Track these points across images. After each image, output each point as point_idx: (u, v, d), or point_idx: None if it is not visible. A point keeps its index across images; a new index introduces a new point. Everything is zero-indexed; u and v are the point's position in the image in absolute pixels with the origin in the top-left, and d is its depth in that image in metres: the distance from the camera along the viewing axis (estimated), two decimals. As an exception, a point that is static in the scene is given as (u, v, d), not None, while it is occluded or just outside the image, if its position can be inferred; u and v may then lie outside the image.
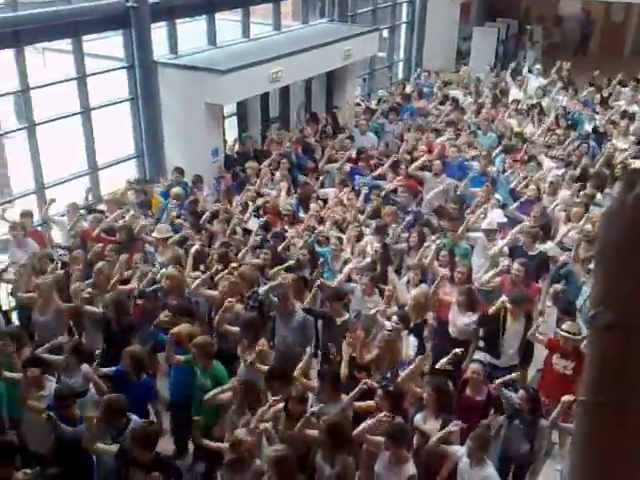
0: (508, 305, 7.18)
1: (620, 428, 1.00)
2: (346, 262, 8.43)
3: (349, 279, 8.16)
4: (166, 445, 6.57)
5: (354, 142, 12.70)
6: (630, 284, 1.00)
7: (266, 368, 6.31)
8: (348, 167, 11.46)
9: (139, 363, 6.26)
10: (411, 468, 5.34)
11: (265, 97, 13.79)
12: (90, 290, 7.50)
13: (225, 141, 12.76)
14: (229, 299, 7.01)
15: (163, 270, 7.90)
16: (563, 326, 6.90)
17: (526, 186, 10.28)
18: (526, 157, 11.70)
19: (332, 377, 6.14)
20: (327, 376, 6.13)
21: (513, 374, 6.50)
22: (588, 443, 1.04)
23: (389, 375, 6.34)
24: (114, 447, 5.38)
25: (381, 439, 5.46)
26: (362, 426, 5.54)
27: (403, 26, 19.32)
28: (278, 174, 11.01)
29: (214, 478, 6.33)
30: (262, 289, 7.45)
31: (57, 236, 9.57)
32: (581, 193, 10.17)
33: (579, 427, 1.07)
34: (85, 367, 6.40)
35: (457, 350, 6.51)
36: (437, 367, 6.54)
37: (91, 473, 5.73)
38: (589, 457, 1.04)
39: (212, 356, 6.42)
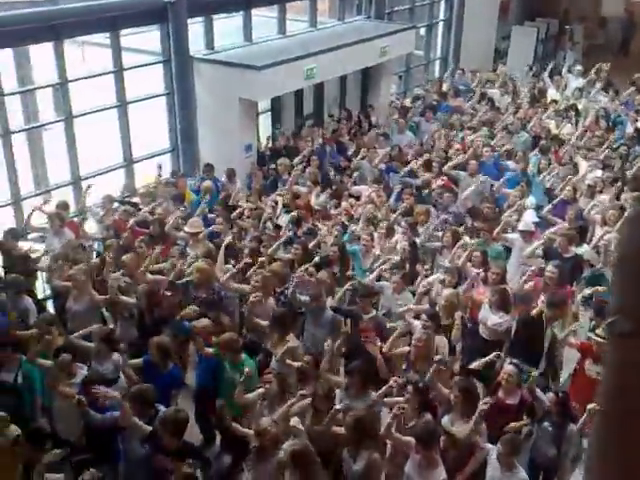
0: (545, 309, 7.05)
1: None
2: (376, 260, 8.38)
3: (379, 277, 8.10)
4: (193, 435, 6.58)
5: (389, 140, 12.61)
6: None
7: (297, 364, 6.30)
8: (383, 165, 11.39)
9: (165, 353, 6.30)
10: (442, 472, 5.27)
11: (299, 94, 13.79)
12: (126, 280, 7.58)
13: (259, 138, 12.78)
14: (256, 294, 7.01)
15: (194, 263, 7.95)
16: (597, 331, 6.75)
17: (562, 188, 10.11)
18: (563, 159, 11.50)
19: (360, 373, 6.09)
20: (355, 372, 6.08)
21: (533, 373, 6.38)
22: (608, 450, 1.01)
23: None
24: (148, 427, 5.42)
25: (410, 439, 5.41)
26: (388, 423, 5.49)
27: (441, 24, 19.15)
28: (308, 170, 11.00)
29: (240, 469, 6.33)
30: (289, 291, 7.43)
31: (92, 228, 9.69)
32: (621, 197, 9.97)
33: (598, 434, 1.05)
34: (116, 356, 6.47)
35: (496, 353, 6.42)
36: (471, 368, 6.45)
37: (118, 460, 5.77)
38: (609, 463, 1.01)
39: (238, 350, 6.42)
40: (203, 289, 7.62)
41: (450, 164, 11.02)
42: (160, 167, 10.66)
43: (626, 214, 8.47)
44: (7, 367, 6.13)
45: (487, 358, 6.43)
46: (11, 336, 6.41)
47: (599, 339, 6.56)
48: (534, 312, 7.17)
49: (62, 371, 6.12)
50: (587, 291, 7.77)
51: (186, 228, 8.90)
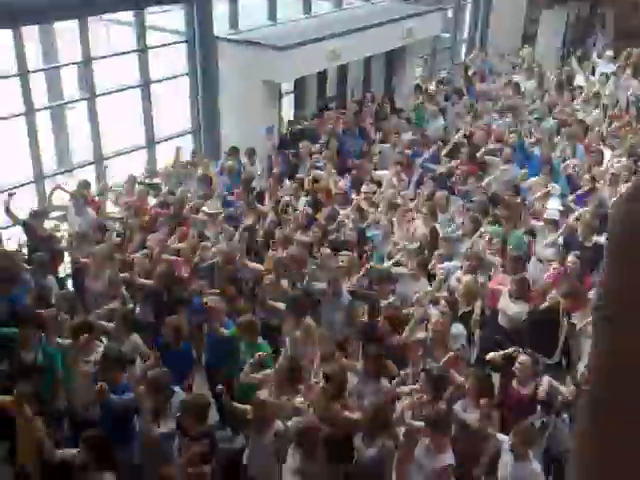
0: (561, 299, 6.97)
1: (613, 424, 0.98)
2: (395, 246, 8.34)
3: (397, 263, 8.06)
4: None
5: (411, 125, 12.49)
6: (621, 279, 0.99)
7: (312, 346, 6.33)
8: (409, 150, 11.30)
9: (179, 333, 6.37)
10: (449, 457, 5.27)
11: (323, 76, 13.68)
12: (143, 260, 7.65)
13: (281, 119, 12.71)
14: (268, 277, 7.04)
15: (216, 246, 7.99)
16: None
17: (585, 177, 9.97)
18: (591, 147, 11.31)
19: (376, 359, 6.08)
20: (371, 357, 6.08)
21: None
22: (587, 434, 1.03)
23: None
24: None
25: (421, 424, 5.42)
26: (400, 409, 5.49)
27: (468, 5, 18.82)
28: (325, 154, 10.94)
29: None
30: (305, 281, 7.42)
31: (112, 207, 9.76)
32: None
33: (581, 417, 1.06)
34: (135, 337, 6.53)
35: (515, 348, 6.37)
36: (488, 359, 6.41)
37: (133, 440, 5.84)
38: (588, 446, 1.03)
39: (257, 333, 6.45)
40: (225, 272, 7.66)
41: (484, 150, 10.89)
42: (179, 149, 10.65)
43: (619, 195, 8.36)
44: (28, 346, 6.19)
45: (505, 351, 6.37)
46: (32, 315, 6.50)
47: None
48: (548, 302, 7.10)
49: (80, 349, 6.19)
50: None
51: (205, 209, 8.92)
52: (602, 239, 8.46)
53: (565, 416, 6.09)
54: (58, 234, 8.93)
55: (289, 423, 5.27)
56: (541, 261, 8.40)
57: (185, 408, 5.33)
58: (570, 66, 15.95)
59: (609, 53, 16.62)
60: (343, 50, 12.12)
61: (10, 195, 8.31)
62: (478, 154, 10.76)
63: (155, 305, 7.34)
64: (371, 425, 5.31)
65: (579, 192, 9.60)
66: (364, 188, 9.80)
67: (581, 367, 7.24)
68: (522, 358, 6.20)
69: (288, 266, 7.50)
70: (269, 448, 5.34)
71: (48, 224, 8.91)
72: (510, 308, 7.21)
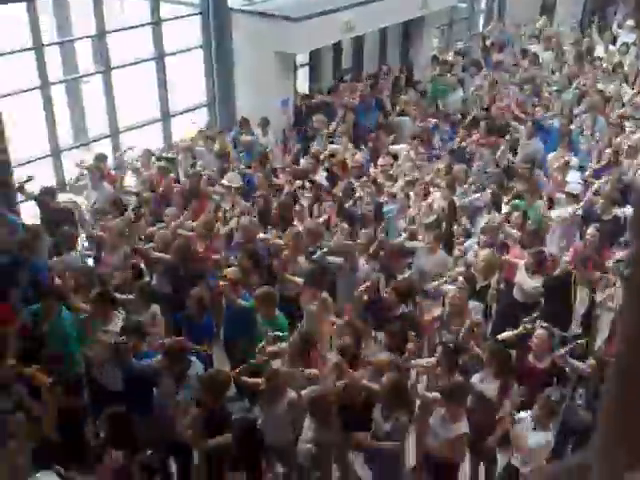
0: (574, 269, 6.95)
1: None
2: (411, 221, 8.31)
3: (412, 237, 8.03)
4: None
5: (427, 97, 12.37)
6: None
7: (330, 320, 6.35)
8: (429, 124, 11.19)
9: (203, 306, 6.42)
10: (464, 426, 5.31)
11: (338, 47, 13.54)
12: (164, 233, 7.68)
13: (297, 92, 12.61)
14: (286, 252, 7.04)
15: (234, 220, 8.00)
16: None
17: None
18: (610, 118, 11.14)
19: (395, 333, 6.10)
20: (390, 332, 6.10)
21: (579, 341, 6.30)
22: (623, 396, 1.01)
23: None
24: None
25: (436, 395, 5.46)
26: (415, 382, 5.55)
27: (486, -25, 18.49)
28: (341, 128, 10.86)
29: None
30: (317, 255, 7.41)
31: (129, 181, 9.78)
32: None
33: (608, 389, 1.04)
34: (155, 307, 6.60)
35: (526, 326, 6.35)
36: (501, 338, 6.39)
37: (152, 410, 5.90)
38: (615, 419, 1.01)
39: (275, 306, 6.47)
40: (245, 246, 7.68)
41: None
42: (194, 124, 10.60)
43: None
44: (49, 317, 6.26)
45: (519, 330, 6.35)
46: (52, 287, 6.57)
47: None
48: (559, 271, 7.06)
49: (100, 319, 6.27)
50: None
51: (224, 181, 8.91)
52: (621, 212, 8.39)
53: (581, 390, 6.09)
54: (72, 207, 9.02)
55: (303, 392, 5.30)
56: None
57: (204, 384, 5.38)
58: (590, 36, 15.63)
59: (630, 22, 16.24)
60: (358, 21, 11.96)
61: (29, 179, 8.34)
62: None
63: (172, 279, 7.38)
64: (389, 398, 5.34)
65: (597, 166, 9.46)
66: (381, 161, 9.74)
67: (599, 341, 7.23)
68: (538, 332, 6.18)
69: (305, 240, 7.49)
70: (283, 418, 5.39)
71: (63, 198, 9.00)
72: (527, 282, 7.18)
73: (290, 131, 11.20)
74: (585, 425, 6.01)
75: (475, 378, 5.91)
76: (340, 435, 5.45)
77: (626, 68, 13.53)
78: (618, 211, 8.39)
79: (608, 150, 9.69)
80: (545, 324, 6.38)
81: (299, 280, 6.98)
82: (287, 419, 5.41)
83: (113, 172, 9.99)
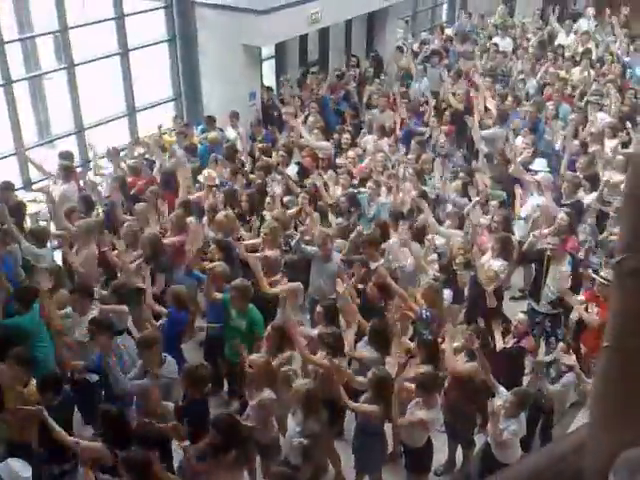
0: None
1: None
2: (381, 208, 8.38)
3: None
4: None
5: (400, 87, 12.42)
6: None
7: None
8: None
9: (181, 301, 6.43)
10: (434, 413, 5.42)
11: (304, 40, 13.53)
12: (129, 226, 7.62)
13: (263, 85, 12.57)
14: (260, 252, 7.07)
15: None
16: (602, 273, 6.78)
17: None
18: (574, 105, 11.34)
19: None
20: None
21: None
22: (614, 386, 1.04)
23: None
24: None
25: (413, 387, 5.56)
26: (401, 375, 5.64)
27: (448, -34, 18.61)
28: (311, 119, 10.87)
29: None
30: (294, 241, 7.44)
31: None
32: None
33: (605, 370, 1.06)
34: (124, 307, 6.56)
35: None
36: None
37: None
38: (614, 398, 1.04)
39: (249, 299, 6.47)
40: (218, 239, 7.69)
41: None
42: (160, 127, 10.48)
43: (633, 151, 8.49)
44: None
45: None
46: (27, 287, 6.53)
47: (602, 280, 6.59)
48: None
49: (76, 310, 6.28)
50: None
51: (201, 179, 8.88)
52: (586, 197, 8.57)
53: (552, 371, 6.26)
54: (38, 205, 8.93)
55: (294, 384, 5.34)
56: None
57: (187, 376, 5.42)
58: (551, 25, 15.83)
59: (589, 9, 16.53)
60: (323, 13, 11.97)
61: None
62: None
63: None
64: (373, 393, 5.42)
65: (568, 157, 9.61)
66: (350, 153, 9.79)
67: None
68: (520, 317, 6.36)
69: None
70: (266, 410, 5.42)
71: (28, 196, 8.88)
72: (492, 264, 7.26)
73: (257, 127, 11.15)
74: (551, 406, 6.20)
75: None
76: (327, 426, 5.51)
77: (594, 57, 13.72)
78: (582, 195, 8.58)
79: (576, 141, 9.83)
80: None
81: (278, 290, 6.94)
82: (270, 413, 5.45)
83: (79, 169, 9.90)
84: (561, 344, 6.33)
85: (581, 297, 7.04)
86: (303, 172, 9.31)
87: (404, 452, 5.83)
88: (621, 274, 1.03)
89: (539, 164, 9.17)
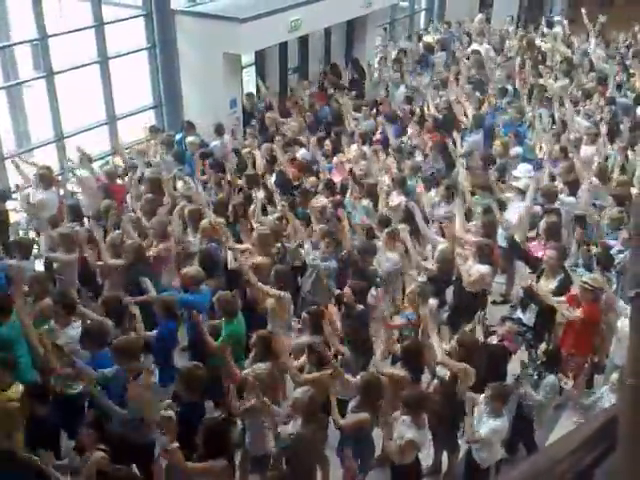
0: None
1: None
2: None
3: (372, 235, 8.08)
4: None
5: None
6: None
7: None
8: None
9: (170, 310, 6.39)
10: (422, 434, 5.38)
11: (284, 47, 13.57)
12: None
13: (245, 93, 12.54)
14: (249, 260, 7.07)
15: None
16: (584, 278, 6.86)
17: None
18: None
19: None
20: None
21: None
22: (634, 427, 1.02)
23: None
24: None
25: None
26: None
27: (425, -26, 18.78)
28: (293, 126, 10.90)
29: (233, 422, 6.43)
30: (289, 245, 7.46)
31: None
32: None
33: (625, 410, 1.05)
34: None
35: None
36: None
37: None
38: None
39: (233, 314, 6.42)
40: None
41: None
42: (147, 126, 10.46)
43: None
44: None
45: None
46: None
47: (584, 285, 6.69)
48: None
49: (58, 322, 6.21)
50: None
51: (181, 190, 8.85)
52: (568, 200, 8.73)
53: (531, 371, 6.31)
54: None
55: (294, 393, 5.33)
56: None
57: (183, 379, 5.42)
58: (529, 31, 16.04)
59: (558, 18, 16.78)
60: (304, 21, 12.02)
61: None
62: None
63: (125, 280, 7.28)
64: (362, 398, 5.42)
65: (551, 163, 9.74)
66: (335, 160, 9.84)
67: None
68: (508, 324, 6.46)
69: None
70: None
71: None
72: (473, 268, 7.32)
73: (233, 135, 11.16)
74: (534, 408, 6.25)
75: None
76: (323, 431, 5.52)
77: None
78: (567, 200, 8.73)
79: (557, 146, 9.96)
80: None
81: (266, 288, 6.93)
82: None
83: (60, 178, 9.82)
84: (542, 345, 6.40)
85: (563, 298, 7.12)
86: (285, 182, 9.28)
87: (391, 468, 5.65)
88: (636, 310, 1.03)
89: (522, 170, 9.23)
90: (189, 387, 5.37)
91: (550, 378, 6.09)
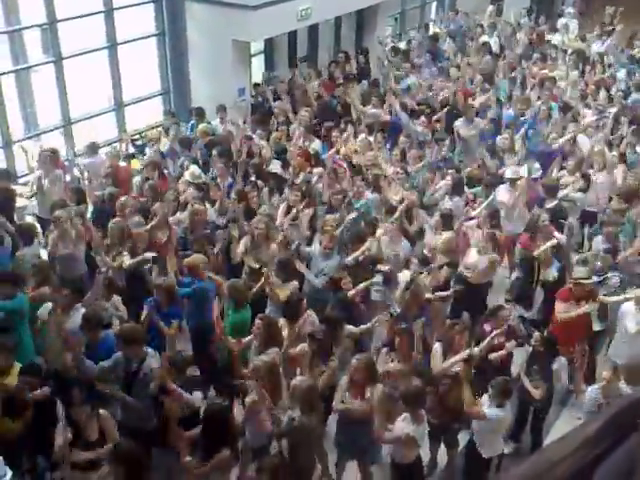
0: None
1: None
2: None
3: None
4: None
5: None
6: None
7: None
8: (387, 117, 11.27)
9: (171, 294, 6.42)
10: (420, 429, 5.35)
11: (293, 35, 13.51)
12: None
13: (253, 82, 12.50)
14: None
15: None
16: (577, 274, 6.84)
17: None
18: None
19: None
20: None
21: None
22: None
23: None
24: None
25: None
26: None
27: (437, -36, 18.63)
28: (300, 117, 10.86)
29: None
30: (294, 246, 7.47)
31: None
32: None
33: None
34: (115, 298, 6.63)
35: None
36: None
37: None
38: None
39: (245, 301, 6.49)
40: (198, 230, 7.72)
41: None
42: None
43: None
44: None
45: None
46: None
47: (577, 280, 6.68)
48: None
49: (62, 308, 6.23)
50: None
51: (186, 176, 8.85)
52: (574, 195, 8.69)
53: (534, 367, 6.32)
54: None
55: (294, 381, 5.35)
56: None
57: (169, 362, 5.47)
58: (540, 24, 15.90)
59: (570, 10, 16.62)
60: (313, 10, 11.96)
61: None
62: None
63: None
64: (361, 377, 5.43)
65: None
66: (342, 150, 9.81)
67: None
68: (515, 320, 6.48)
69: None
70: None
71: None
72: (480, 262, 7.32)
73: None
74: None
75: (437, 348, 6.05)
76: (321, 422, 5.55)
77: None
78: (575, 195, 8.69)
79: (561, 139, 9.91)
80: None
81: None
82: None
83: (67, 163, 9.83)
84: (536, 333, 6.40)
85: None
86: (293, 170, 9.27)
87: (392, 467, 5.64)
88: None
89: (525, 170, 9.18)
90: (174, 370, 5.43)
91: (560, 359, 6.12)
